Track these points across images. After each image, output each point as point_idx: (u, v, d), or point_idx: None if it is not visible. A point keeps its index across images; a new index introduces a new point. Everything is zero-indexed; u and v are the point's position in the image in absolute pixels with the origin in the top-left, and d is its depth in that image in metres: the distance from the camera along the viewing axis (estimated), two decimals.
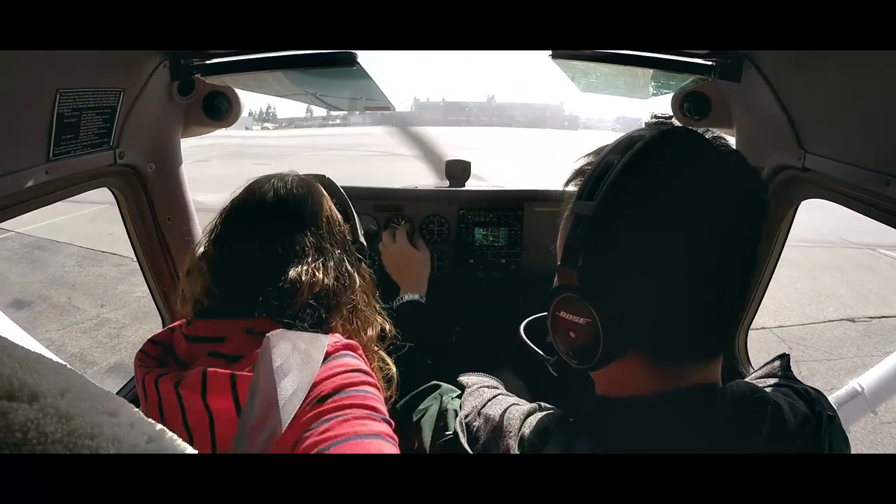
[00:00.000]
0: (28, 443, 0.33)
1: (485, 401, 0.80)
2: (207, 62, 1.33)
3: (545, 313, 0.69)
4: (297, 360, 0.72)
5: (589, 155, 0.71)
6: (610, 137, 0.70)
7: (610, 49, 1.25)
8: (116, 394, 0.50)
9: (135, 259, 1.63)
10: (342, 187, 1.93)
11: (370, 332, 0.99)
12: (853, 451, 0.74)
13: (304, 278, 0.86)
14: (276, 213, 0.91)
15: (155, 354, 0.90)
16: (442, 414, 0.85)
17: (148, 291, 1.67)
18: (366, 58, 1.21)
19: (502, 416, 0.74)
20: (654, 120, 1.63)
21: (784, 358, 0.79)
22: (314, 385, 0.73)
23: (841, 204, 1.10)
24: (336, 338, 0.83)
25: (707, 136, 0.63)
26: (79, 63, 1.02)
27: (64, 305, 5.62)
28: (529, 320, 1.00)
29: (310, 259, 0.88)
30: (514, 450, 0.68)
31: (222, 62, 1.33)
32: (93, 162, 1.19)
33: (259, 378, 0.68)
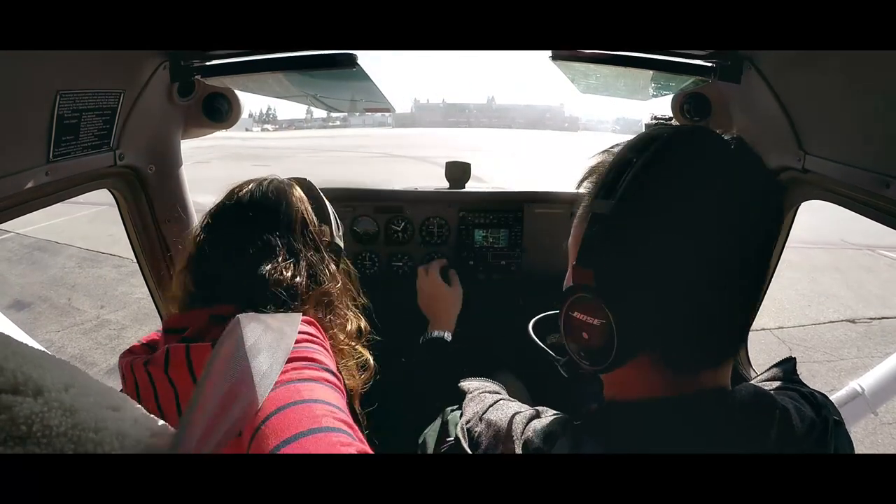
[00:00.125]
0: (33, 436, 0.33)
1: (486, 406, 0.79)
2: (207, 63, 1.33)
3: (553, 311, 0.68)
4: (270, 338, 0.73)
5: (602, 153, 0.69)
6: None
7: (610, 49, 1.25)
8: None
9: (134, 260, 1.63)
10: (342, 189, 1.94)
11: (349, 328, 1.04)
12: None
13: (272, 276, 0.90)
14: (250, 216, 0.96)
15: (140, 352, 0.95)
16: (444, 425, 0.84)
17: (148, 293, 1.67)
18: (365, 59, 1.22)
19: (504, 420, 0.73)
20: (654, 121, 1.63)
21: (790, 361, 0.79)
22: None
23: (841, 205, 1.10)
24: None
25: (726, 137, 0.62)
26: (79, 64, 1.02)
27: (64, 306, 5.61)
28: (538, 319, 0.99)
29: (280, 259, 0.92)
30: (515, 453, 0.67)
31: (222, 63, 1.33)
32: (93, 163, 1.19)
33: (218, 357, 0.68)
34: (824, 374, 4.40)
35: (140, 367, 0.83)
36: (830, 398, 0.72)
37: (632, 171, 0.58)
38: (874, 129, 0.91)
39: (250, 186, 1.00)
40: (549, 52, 1.25)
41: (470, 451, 0.73)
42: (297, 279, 0.92)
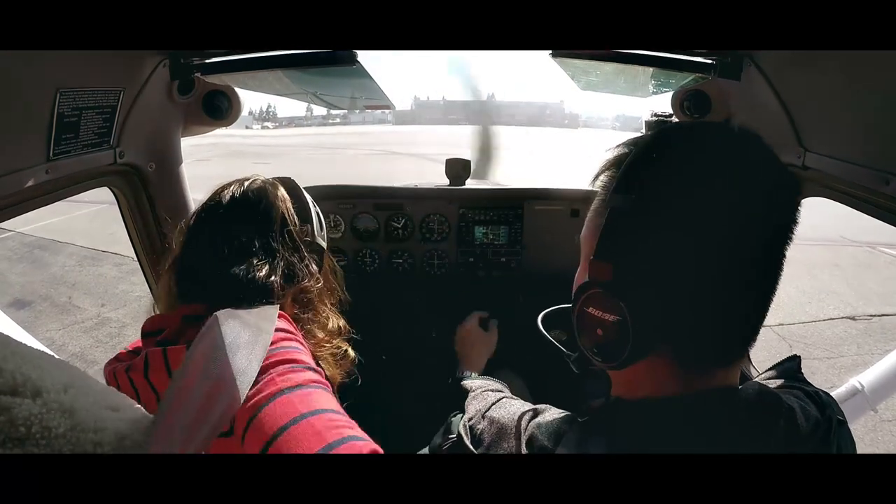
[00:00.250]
0: (32, 437, 0.33)
1: (489, 404, 0.79)
2: (207, 61, 1.33)
3: (563, 306, 0.68)
4: (247, 335, 0.74)
5: (621, 146, 0.67)
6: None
7: (610, 49, 1.25)
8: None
9: (135, 258, 1.63)
10: (342, 186, 1.94)
11: (329, 326, 1.05)
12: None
13: (246, 275, 0.90)
14: (231, 216, 0.97)
15: (126, 359, 0.95)
16: (448, 426, 0.84)
17: (148, 291, 1.67)
18: (366, 56, 1.21)
19: (507, 418, 0.72)
20: (653, 118, 1.63)
21: (795, 359, 0.79)
22: None
23: (841, 202, 1.10)
24: None
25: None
26: (79, 62, 1.02)
27: (64, 305, 5.61)
28: (546, 313, 0.99)
29: (256, 259, 0.93)
30: (520, 451, 0.67)
31: (222, 61, 1.33)
32: (93, 161, 1.19)
33: (195, 356, 0.68)
34: (824, 371, 4.40)
35: (122, 373, 0.84)
36: (819, 388, 0.72)
37: (654, 165, 0.58)
38: (874, 127, 0.91)
39: (232, 187, 1.01)
40: (549, 51, 1.25)
41: (472, 448, 0.73)
42: (273, 278, 0.93)
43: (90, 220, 8.56)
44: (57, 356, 0.45)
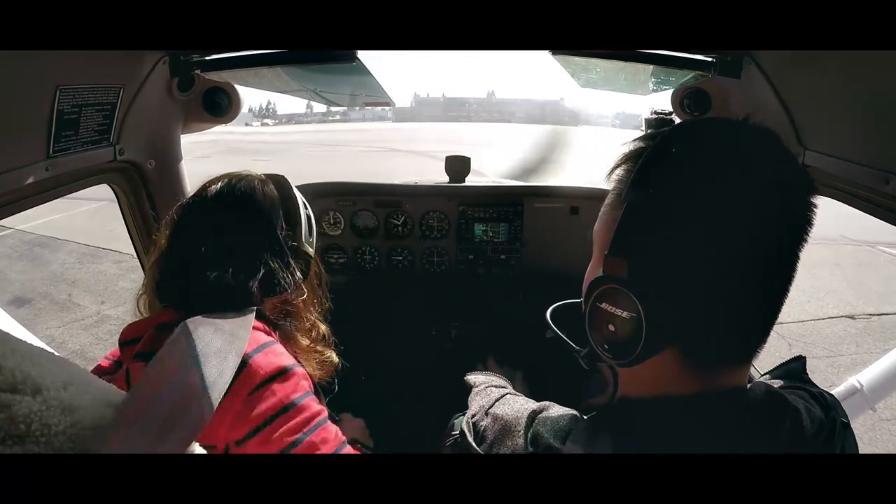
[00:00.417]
0: (32, 434, 0.33)
1: (493, 400, 0.78)
2: (207, 58, 1.33)
3: (572, 300, 0.66)
4: (220, 342, 0.72)
5: (638, 140, 0.66)
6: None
7: (609, 49, 1.25)
8: None
9: (135, 256, 1.63)
10: (342, 183, 1.94)
11: (313, 333, 1.03)
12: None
13: (222, 281, 0.88)
14: (213, 214, 0.95)
15: (109, 370, 0.96)
16: (451, 428, 0.82)
17: None
18: (366, 54, 1.21)
19: (511, 415, 0.72)
20: (653, 116, 1.63)
21: (800, 360, 0.78)
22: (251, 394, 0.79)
23: (840, 201, 1.10)
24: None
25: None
26: (78, 60, 1.02)
27: (64, 302, 5.61)
28: (555, 307, 0.97)
29: (234, 264, 0.90)
30: (524, 449, 0.66)
31: (222, 58, 1.33)
32: (93, 158, 1.19)
33: (160, 365, 0.65)
34: (823, 370, 4.41)
35: None
36: (824, 389, 0.72)
37: (673, 159, 0.57)
38: (874, 126, 0.91)
39: (219, 184, 0.98)
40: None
41: (475, 445, 0.72)
42: (251, 284, 0.90)
43: (90, 218, 8.55)
44: (57, 353, 0.45)
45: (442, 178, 2.02)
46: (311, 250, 1.06)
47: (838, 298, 6.06)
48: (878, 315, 5.67)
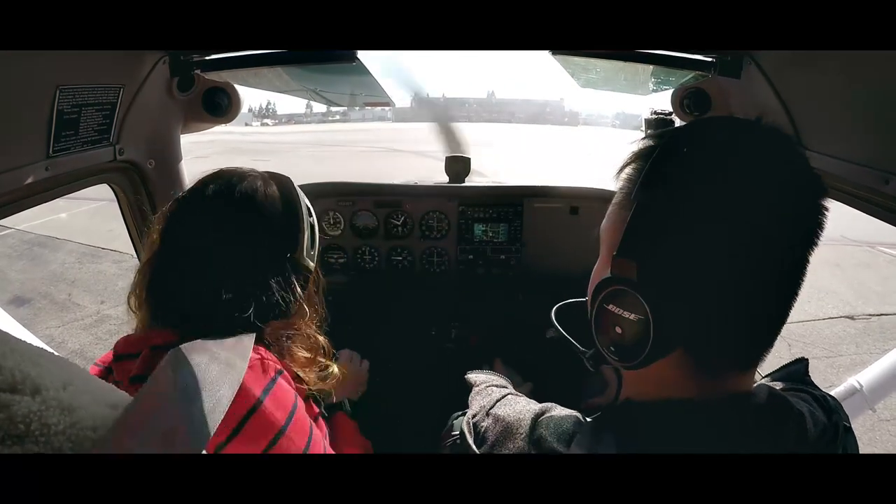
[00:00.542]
0: (31, 434, 0.33)
1: (494, 401, 0.76)
2: (207, 58, 1.33)
3: (577, 299, 0.65)
4: (215, 372, 0.67)
5: (648, 138, 0.64)
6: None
7: (609, 49, 1.25)
8: None
9: (134, 255, 1.63)
10: (342, 183, 1.94)
11: (312, 344, 0.97)
12: None
13: (217, 301, 0.83)
14: (210, 221, 0.89)
15: (99, 375, 0.91)
16: (450, 428, 0.81)
17: None
18: (365, 53, 1.21)
19: (513, 416, 0.70)
20: (653, 116, 1.63)
21: (802, 362, 0.78)
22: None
23: (840, 201, 1.10)
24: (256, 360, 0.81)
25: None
26: (78, 59, 1.02)
27: (64, 302, 5.61)
28: (560, 306, 0.96)
29: (229, 283, 0.85)
30: (528, 452, 0.65)
31: (222, 58, 1.33)
32: (93, 158, 1.19)
33: (150, 394, 0.58)
34: (823, 370, 4.41)
35: None
36: (827, 392, 0.72)
37: (684, 160, 0.56)
38: (874, 126, 0.91)
39: (219, 183, 0.92)
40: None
41: (475, 447, 0.71)
42: (247, 306, 0.85)
43: (90, 217, 8.56)
44: (56, 353, 0.45)
45: (442, 178, 2.02)
46: (312, 265, 0.99)
47: (838, 299, 6.06)
48: (877, 315, 5.67)
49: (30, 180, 0.99)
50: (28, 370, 0.36)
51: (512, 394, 0.80)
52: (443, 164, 2.02)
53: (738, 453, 0.54)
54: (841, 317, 5.62)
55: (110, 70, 1.14)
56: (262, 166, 1.03)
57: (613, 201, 0.65)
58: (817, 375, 0.73)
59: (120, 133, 1.26)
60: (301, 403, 0.86)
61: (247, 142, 29.01)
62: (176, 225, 0.91)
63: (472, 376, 0.91)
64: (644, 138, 0.65)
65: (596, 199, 1.84)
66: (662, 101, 1.65)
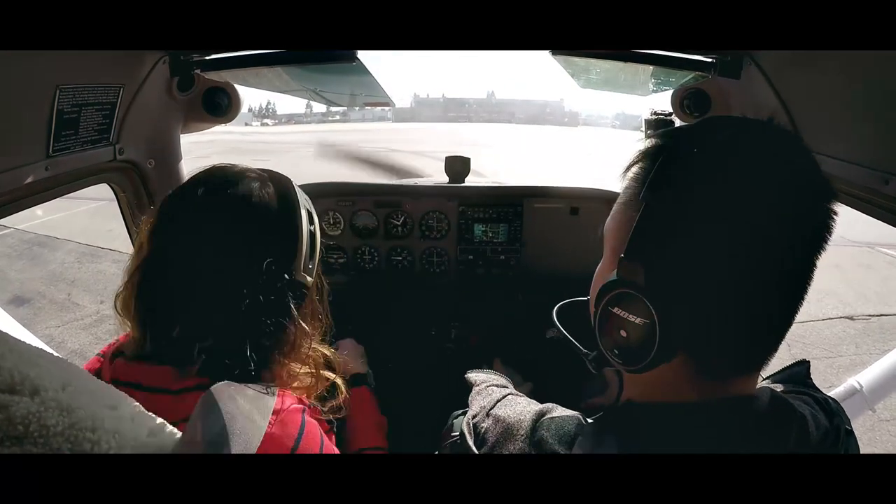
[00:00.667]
0: (30, 436, 0.33)
1: (494, 401, 0.76)
2: (207, 58, 1.33)
3: (579, 298, 0.64)
4: (240, 424, 0.63)
5: (656, 137, 0.63)
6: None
7: (609, 49, 1.25)
8: None
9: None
10: (342, 183, 1.94)
11: (315, 359, 0.93)
12: None
13: (214, 345, 0.80)
14: (206, 230, 0.83)
15: (99, 367, 0.91)
16: (450, 427, 0.80)
17: None
18: (365, 54, 1.21)
19: (514, 417, 0.70)
20: (653, 116, 1.63)
21: (804, 365, 0.78)
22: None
23: (840, 202, 1.10)
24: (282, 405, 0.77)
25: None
26: (78, 59, 1.02)
27: (63, 302, 5.61)
28: (561, 305, 0.95)
29: (226, 301, 0.80)
30: (526, 453, 0.65)
31: (222, 58, 1.33)
32: (93, 158, 1.19)
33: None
34: (822, 371, 4.41)
35: None
36: (828, 395, 0.72)
37: (694, 161, 0.55)
38: (874, 126, 0.91)
39: (211, 184, 0.85)
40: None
41: (475, 448, 0.70)
42: (247, 345, 0.80)
43: (90, 217, 8.55)
44: (56, 354, 0.45)
45: (442, 178, 2.02)
46: (309, 280, 0.91)
47: (838, 299, 6.06)
48: (877, 316, 5.68)
49: (30, 180, 0.99)
50: (27, 371, 0.36)
51: (512, 394, 0.79)
52: (443, 164, 2.02)
53: (740, 454, 0.54)
54: (840, 317, 5.62)
55: (110, 70, 1.14)
56: (262, 166, 1.00)
57: (619, 200, 0.64)
58: (817, 376, 0.72)
59: (120, 133, 1.26)
60: (326, 440, 0.82)
61: (247, 142, 29.03)
62: (162, 234, 0.85)
63: (473, 376, 0.90)
64: (650, 137, 0.64)
65: (596, 199, 1.85)
66: (662, 101, 1.65)
